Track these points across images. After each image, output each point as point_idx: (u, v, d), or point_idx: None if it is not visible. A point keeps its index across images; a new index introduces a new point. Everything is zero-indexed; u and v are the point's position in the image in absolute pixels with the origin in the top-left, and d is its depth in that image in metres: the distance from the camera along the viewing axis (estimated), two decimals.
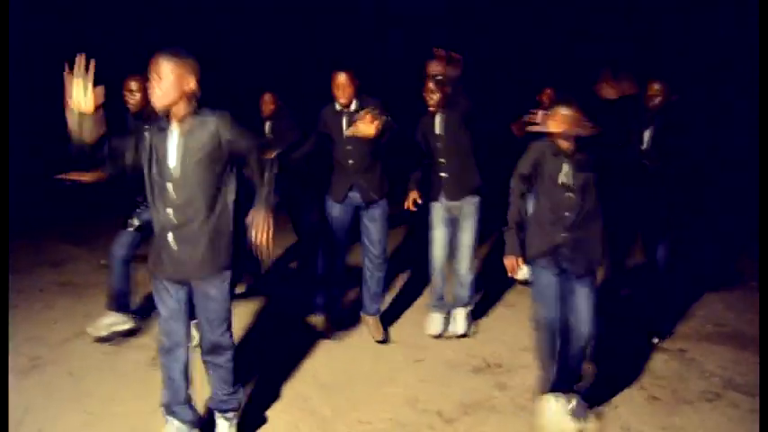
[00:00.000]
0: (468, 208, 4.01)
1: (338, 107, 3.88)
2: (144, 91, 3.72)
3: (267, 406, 3.36)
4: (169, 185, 2.62)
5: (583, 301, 3.02)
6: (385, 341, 4.14)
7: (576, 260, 3.00)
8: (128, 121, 3.89)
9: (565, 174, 2.96)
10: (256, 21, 11.65)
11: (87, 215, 7.04)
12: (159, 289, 2.80)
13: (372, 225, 4.02)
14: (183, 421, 2.92)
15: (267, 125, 4.98)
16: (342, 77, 3.77)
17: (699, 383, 3.61)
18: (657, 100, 3.86)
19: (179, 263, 2.70)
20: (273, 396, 3.46)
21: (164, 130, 2.63)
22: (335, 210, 4.01)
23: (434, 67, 3.78)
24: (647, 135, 3.92)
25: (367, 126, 3.55)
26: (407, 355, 3.98)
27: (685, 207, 4.16)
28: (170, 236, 2.68)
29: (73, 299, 4.92)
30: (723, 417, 3.25)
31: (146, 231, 3.69)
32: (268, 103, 4.99)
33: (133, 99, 3.88)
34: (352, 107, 3.84)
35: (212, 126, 2.61)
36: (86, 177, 3.60)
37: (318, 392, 3.52)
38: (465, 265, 4.10)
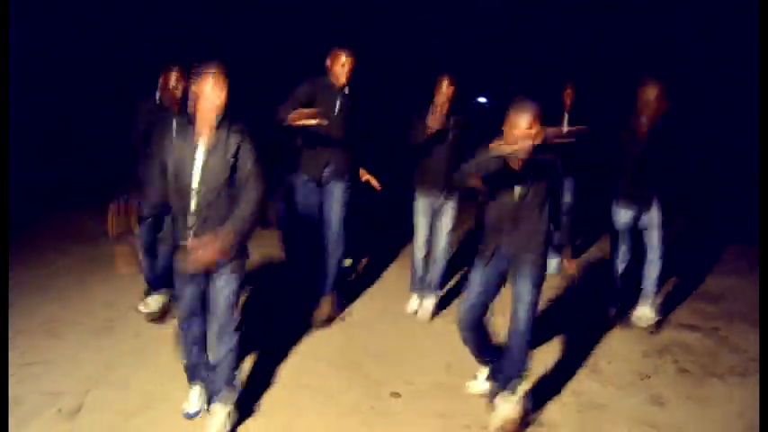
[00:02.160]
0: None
1: (336, 85, 3.91)
2: (184, 87, 3.57)
3: (323, 369, 3.69)
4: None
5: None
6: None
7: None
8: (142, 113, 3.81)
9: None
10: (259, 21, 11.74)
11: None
12: None
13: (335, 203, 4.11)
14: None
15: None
16: (350, 57, 3.86)
17: (730, 359, 3.77)
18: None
19: None
20: (329, 362, 3.78)
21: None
22: (307, 189, 4.10)
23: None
24: None
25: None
26: (446, 327, 4.21)
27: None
28: None
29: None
30: (750, 391, 3.41)
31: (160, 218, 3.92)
32: None
33: (171, 94, 3.70)
34: (346, 89, 3.95)
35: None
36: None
37: (369, 360, 3.82)
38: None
